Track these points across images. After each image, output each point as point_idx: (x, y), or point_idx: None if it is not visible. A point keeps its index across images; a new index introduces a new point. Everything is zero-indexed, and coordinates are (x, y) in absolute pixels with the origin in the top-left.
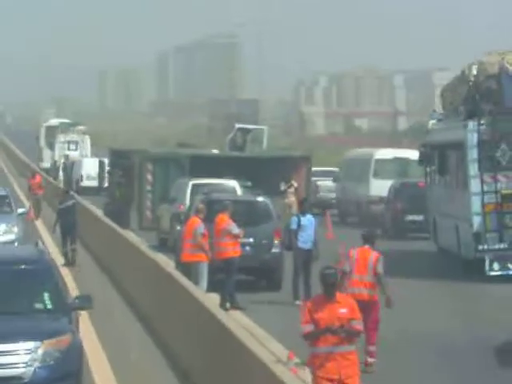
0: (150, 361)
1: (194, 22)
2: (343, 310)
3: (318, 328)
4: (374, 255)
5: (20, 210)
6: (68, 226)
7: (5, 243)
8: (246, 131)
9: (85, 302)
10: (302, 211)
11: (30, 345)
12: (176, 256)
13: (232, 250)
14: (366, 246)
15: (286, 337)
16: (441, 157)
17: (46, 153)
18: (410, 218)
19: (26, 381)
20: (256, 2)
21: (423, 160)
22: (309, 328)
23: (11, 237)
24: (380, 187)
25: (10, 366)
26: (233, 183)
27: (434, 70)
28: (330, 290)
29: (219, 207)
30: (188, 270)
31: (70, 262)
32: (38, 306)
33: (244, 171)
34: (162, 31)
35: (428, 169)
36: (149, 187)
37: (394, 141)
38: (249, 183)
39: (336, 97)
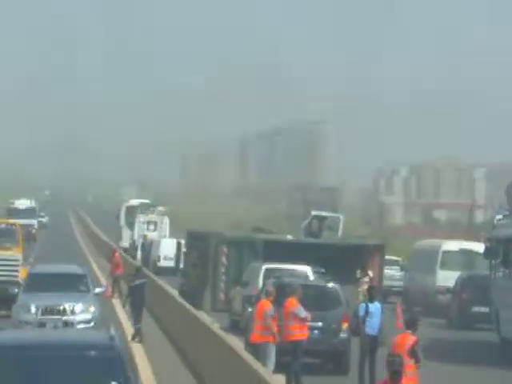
0: None
1: (275, 109)
2: None
3: None
4: (411, 339)
5: (97, 290)
6: (138, 303)
7: (81, 322)
8: (321, 218)
9: None
10: (370, 298)
11: None
12: (246, 337)
13: (299, 333)
14: (408, 332)
15: None
16: (505, 250)
17: (126, 232)
18: (476, 309)
19: None
20: (342, 92)
21: (489, 253)
22: None
23: (87, 316)
24: (446, 278)
25: None
26: (305, 269)
27: None
28: (395, 376)
29: (289, 291)
30: (257, 350)
31: (135, 339)
32: None
33: (318, 258)
34: (243, 116)
35: (493, 262)
36: (223, 269)
37: (471, 233)
38: (322, 270)
39: (416, 187)
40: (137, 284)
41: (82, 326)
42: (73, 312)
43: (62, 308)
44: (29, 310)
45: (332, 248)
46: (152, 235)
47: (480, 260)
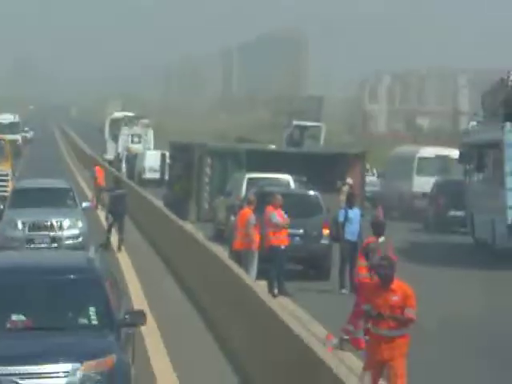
0: (201, 340)
1: (258, 18)
2: (396, 298)
3: (372, 311)
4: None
5: (84, 204)
6: (118, 213)
7: (69, 238)
8: (303, 128)
9: (137, 317)
10: (350, 205)
11: (68, 366)
12: (229, 245)
13: (275, 239)
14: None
15: (329, 321)
16: (479, 156)
17: (110, 145)
18: (452, 213)
19: None
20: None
21: (463, 159)
22: (366, 308)
23: (75, 232)
24: (422, 184)
25: None
26: (287, 178)
27: (499, 70)
28: (384, 279)
29: (269, 199)
30: (239, 257)
31: (118, 249)
32: (82, 321)
33: (300, 167)
34: (226, 27)
35: (467, 167)
36: (207, 180)
37: (455, 140)
38: (304, 178)
39: (399, 95)
40: (116, 194)
41: (69, 241)
42: (60, 227)
43: (49, 224)
44: (16, 226)
45: (313, 157)
46: (136, 147)
47: (455, 166)
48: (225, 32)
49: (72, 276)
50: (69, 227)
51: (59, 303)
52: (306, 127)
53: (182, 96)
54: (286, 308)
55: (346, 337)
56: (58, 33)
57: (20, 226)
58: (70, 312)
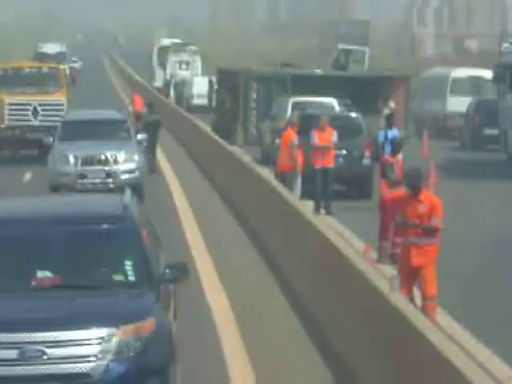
0: (248, 258)
1: None
2: (423, 208)
3: (403, 220)
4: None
5: (139, 136)
6: (152, 139)
7: (125, 172)
8: (348, 52)
9: (179, 271)
10: (389, 125)
11: (102, 332)
12: (274, 166)
13: (317, 160)
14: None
15: (369, 236)
16: None
17: (159, 72)
18: (488, 131)
19: (95, 379)
20: None
21: (497, 79)
22: (397, 219)
23: (131, 165)
24: (456, 104)
25: (76, 359)
26: (331, 101)
27: None
28: (412, 189)
29: (313, 121)
30: (284, 178)
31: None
32: (118, 277)
33: (344, 90)
34: None
35: (501, 87)
36: (253, 105)
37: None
38: (348, 101)
39: (447, 17)
40: (150, 120)
41: (125, 176)
42: (115, 161)
43: (103, 157)
44: (67, 160)
45: (358, 80)
46: (184, 74)
47: (488, 86)
48: None
49: (105, 225)
50: (124, 161)
51: (91, 257)
52: (350, 51)
53: (229, 20)
54: (329, 225)
55: (385, 252)
56: None
57: (72, 160)
58: (104, 267)
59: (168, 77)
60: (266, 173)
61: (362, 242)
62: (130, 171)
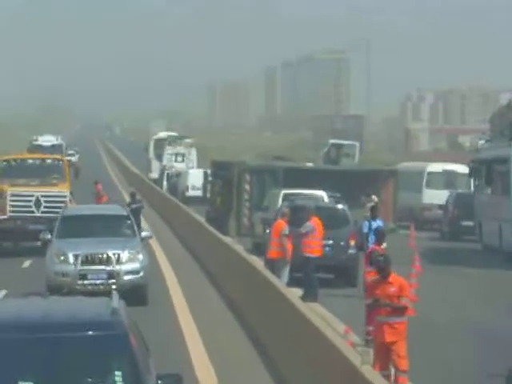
0: (237, 338)
1: (301, 38)
2: (393, 289)
3: (374, 301)
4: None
5: (144, 234)
6: (137, 223)
7: (128, 273)
8: (339, 146)
9: (172, 383)
10: (373, 216)
11: None
12: (265, 254)
13: (306, 249)
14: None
15: (353, 321)
16: (489, 170)
17: (155, 164)
18: (464, 222)
19: None
20: (363, 21)
21: (473, 173)
22: (368, 301)
23: (135, 265)
24: (431, 196)
25: None
26: (321, 193)
27: None
28: (382, 273)
29: (302, 212)
30: (273, 265)
31: None
32: None
33: (334, 183)
34: (270, 47)
35: (476, 181)
36: (246, 196)
37: None
38: (337, 194)
39: (442, 114)
40: (133, 208)
41: (129, 277)
42: (118, 261)
43: (105, 256)
44: (66, 260)
45: (348, 174)
46: (180, 166)
47: (461, 180)
48: (267, 51)
49: (92, 332)
50: (128, 260)
51: (78, 367)
52: (341, 146)
53: (227, 113)
54: (314, 310)
55: (370, 337)
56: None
57: (71, 259)
58: (91, 377)
59: (164, 168)
60: (256, 260)
61: (343, 325)
62: (134, 271)
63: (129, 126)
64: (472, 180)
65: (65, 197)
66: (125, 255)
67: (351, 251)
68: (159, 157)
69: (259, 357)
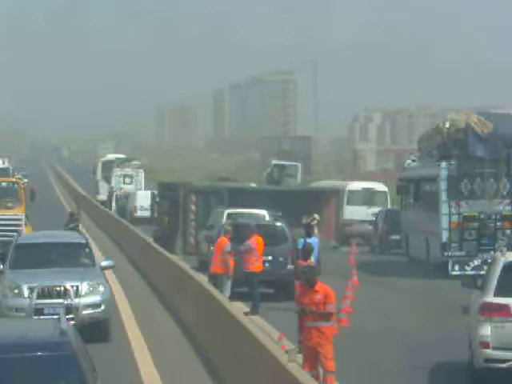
0: (182, 351)
1: (249, 60)
2: (319, 296)
3: (301, 308)
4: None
5: (104, 263)
6: None
7: (88, 307)
8: (281, 167)
9: None
10: (307, 234)
11: None
12: (208, 270)
13: (249, 265)
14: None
15: (288, 330)
16: (416, 188)
17: (103, 186)
18: (393, 237)
19: None
20: (310, 40)
21: (400, 190)
22: (296, 308)
23: (96, 298)
24: (352, 212)
25: None
26: (263, 212)
27: (489, 109)
28: (308, 282)
29: (244, 230)
30: (216, 280)
31: None
32: None
33: (276, 203)
34: (218, 69)
35: (404, 197)
36: (192, 216)
37: None
38: (279, 213)
39: (389, 134)
40: (70, 227)
41: (89, 311)
42: (77, 294)
43: (62, 289)
44: (20, 293)
45: (289, 193)
46: (128, 188)
47: (379, 196)
48: (215, 73)
49: (41, 353)
50: (87, 293)
51: None
52: (284, 166)
53: (175, 135)
54: (254, 322)
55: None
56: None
57: (26, 292)
58: None
59: (114, 189)
60: (201, 278)
61: (277, 332)
62: (95, 305)
63: (77, 148)
64: (400, 197)
65: (20, 220)
66: (84, 287)
67: (290, 267)
68: (107, 179)
69: (204, 368)
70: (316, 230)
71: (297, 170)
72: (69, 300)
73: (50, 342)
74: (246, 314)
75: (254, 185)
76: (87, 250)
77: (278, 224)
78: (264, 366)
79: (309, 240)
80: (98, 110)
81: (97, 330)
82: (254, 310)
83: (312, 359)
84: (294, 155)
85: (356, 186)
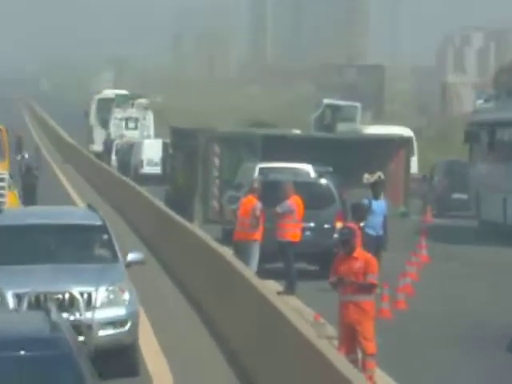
0: (200, 339)
1: None
2: (358, 265)
3: (338, 279)
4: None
5: (131, 256)
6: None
7: (106, 325)
8: (335, 108)
9: None
10: (374, 195)
11: None
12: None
13: (283, 233)
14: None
15: (330, 312)
16: (491, 134)
17: (98, 132)
18: (456, 196)
19: None
20: None
21: (469, 138)
22: (332, 279)
23: (119, 312)
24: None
25: None
26: (307, 168)
27: None
28: (345, 247)
29: (276, 189)
30: (240, 248)
31: None
32: None
33: (327, 155)
34: None
35: (474, 146)
36: (216, 173)
37: None
38: (329, 169)
39: (494, 61)
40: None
41: (108, 331)
42: (90, 304)
43: (67, 297)
44: (2, 303)
45: (345, 143)
46: (132, 135)
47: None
48: None
49: (31, 353)
50: (106, 304)
51: None
52: (338, 107)
53: (198, 62)
54: (292, 306)
55: None
56: None
57: (12, 301)
58: None
59: (112, 137)
60: (229, 254)
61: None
62: (117, 322)
63: (62, 80)
64: (469, 146)
65: (3, 180)
66: (101, 295)
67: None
68: (104, 123)
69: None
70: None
71: (356, 111)
72: (77, 314)
73: (38, 338)
74: (278, 293)
75: (297, 131)
76: (105, 236)
77: (323, 181)
78: (298, 351)
79: (375, 202)
80: (92, 24)
81: (119, 358)
82: (290, 289)
83: (349, 340)
84: (363, 90)
85: (374, 130)
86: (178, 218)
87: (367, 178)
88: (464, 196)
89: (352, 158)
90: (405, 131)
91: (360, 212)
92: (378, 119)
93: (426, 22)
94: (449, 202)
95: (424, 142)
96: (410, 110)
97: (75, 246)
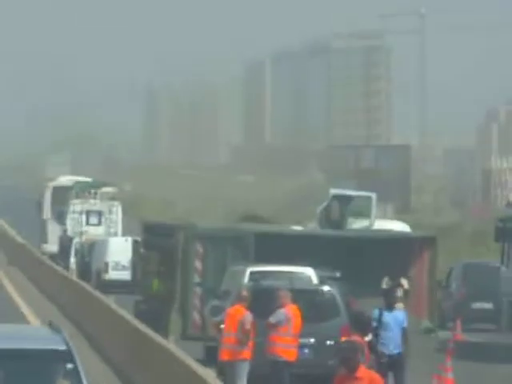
0: None
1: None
2: None
3: None
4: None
5: None
6: None
7: None
8: (344, 199)
9: None
10: (387, 305)
11: None
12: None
13: (277, 348)
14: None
15: None
16: None
17: (53, 229)
18: (477, 305)
19: None
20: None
21: (500, 236)
22: None
23: None
24: None
25: None
26: (308, 272)
27: None
28: (345, 365)
29: (269, 298)
30: (226, 369)
31: None
32: None
33: (333, 257)
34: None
35: (506, 246)
36: (197, 279)
37: None
38: (337, 273)
39: None
40: None
41: None
42: None
43: None
44: None
45: (356, 243)
46: (95, 232)
47: None
48: (248, 33)
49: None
50: None
51: None
52: (349, 198)
53: (178, 141)
54: None
55: None
56: None
57: None
58: None
59: (69, 234)
60: (210, 375)
61: None
62: None
63: (4, 162)
64: (502, 245)
65: None
66: None
67: None
68: (61, 217)
69: None
70: (401, 304)
71: (370, 203)
72: None
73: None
74: None
75: (298, 228)
76: (69, 365)
77: (325, 289)
78: None
79: (388, 314)
80: (43, 95)
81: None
82: None
83: None
84: (386, 176)
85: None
86: (153, 334)
87: (388, 283)
88: (488, 305)
89: (365, 260)
90: (401, 226)
91: (360, 324)
92: (402, 213)
93: (460, 88)
94: (470, 312)
95: (459, 240)
96: (443, 201)
97: (29, 378)
